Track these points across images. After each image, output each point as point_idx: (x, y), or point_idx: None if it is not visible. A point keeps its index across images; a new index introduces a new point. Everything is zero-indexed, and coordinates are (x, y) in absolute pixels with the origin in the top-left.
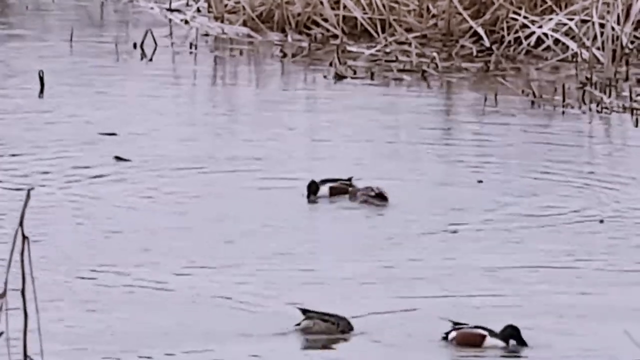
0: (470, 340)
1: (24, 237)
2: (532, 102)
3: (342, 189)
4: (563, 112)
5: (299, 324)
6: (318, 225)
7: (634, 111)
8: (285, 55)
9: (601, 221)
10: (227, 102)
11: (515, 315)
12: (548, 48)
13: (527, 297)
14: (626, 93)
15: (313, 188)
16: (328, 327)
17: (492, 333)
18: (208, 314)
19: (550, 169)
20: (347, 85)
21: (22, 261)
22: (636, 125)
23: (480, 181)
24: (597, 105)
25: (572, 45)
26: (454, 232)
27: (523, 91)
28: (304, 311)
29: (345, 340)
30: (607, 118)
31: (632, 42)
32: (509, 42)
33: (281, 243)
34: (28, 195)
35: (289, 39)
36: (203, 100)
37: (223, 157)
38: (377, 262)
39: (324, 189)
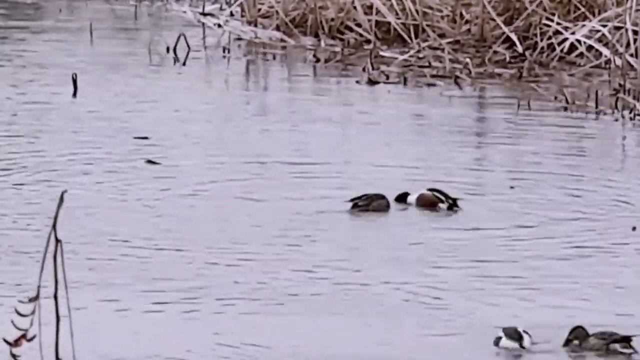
0: None
1: (57, 240)
2: (565, 108)
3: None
4: (596, 119)
5: None
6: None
7: None
8: (318, 60)
9: (634, 228)
10: (260, 106)
11: None
12: (581, 54)
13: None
14: None
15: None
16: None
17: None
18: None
19: (583, 176)
20: (379, 90)
21: (55, 265)
22: None
23: (512, 187)
24: (630, 112)
25: (606, 51)
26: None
27: (556, 97)
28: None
29: None
30: None
31: None
32: (542, 48)
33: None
34: (62, 198)
35: (322, 43)
36: (235, 104)
37: (255, 161)
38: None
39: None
